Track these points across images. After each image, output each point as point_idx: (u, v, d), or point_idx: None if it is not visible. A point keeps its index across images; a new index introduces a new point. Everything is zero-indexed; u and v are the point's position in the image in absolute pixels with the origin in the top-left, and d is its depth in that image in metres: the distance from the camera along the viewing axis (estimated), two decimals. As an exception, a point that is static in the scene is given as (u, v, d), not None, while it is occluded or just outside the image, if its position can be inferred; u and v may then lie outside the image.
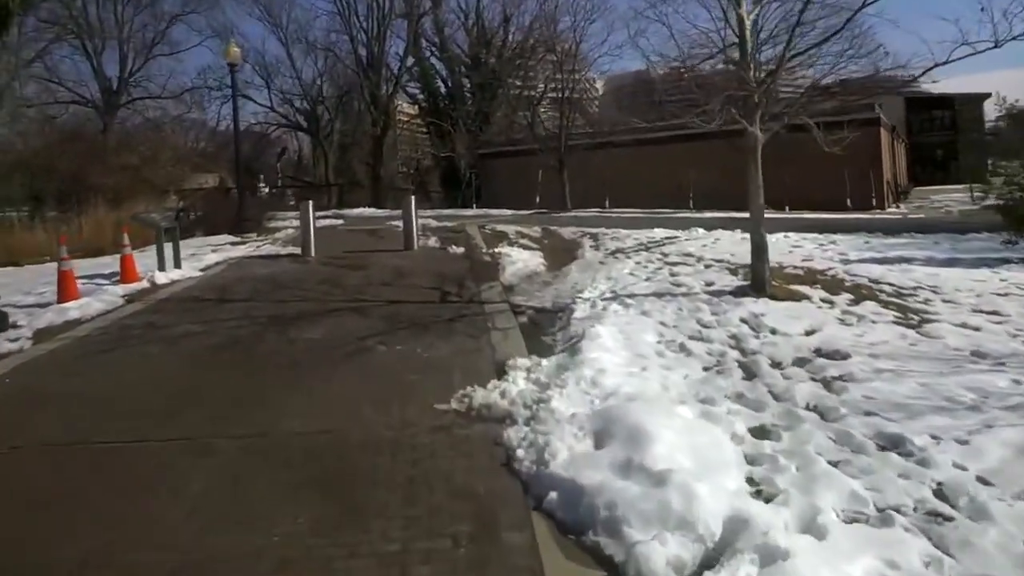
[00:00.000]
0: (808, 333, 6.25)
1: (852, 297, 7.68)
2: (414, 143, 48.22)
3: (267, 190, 24.86)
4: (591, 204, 25.55)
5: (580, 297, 7.98)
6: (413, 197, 13.09)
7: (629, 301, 7.56)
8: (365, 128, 37.81)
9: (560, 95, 27.08)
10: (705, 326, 6.50)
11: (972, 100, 52.15)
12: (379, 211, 26.71)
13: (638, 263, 10.43)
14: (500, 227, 17.52)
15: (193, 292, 9.49)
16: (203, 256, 13.04)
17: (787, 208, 23.05)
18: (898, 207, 28.78)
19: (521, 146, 31.20)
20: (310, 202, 12.96)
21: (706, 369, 5.27)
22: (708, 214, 21.02)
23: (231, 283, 10.10)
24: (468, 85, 37.62)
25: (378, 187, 34.17)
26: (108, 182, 17.57)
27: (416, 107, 42.02)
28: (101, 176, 19.51)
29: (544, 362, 5.29)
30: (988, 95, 56.27)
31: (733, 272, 9.30)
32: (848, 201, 23.98)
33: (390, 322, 7.19)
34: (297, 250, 13.21)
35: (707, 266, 9.96)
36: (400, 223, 17.47)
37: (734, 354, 5.62)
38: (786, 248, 12.18)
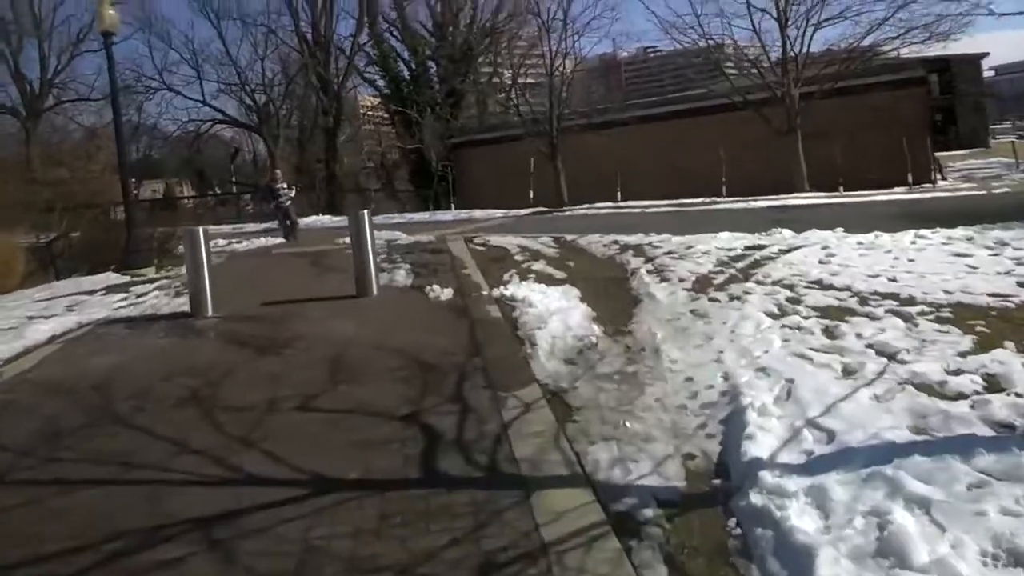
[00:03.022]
0: None
1: None
2: (379, 137, 43.03)
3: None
4: (595, 198, 20.87)
5: (758, 458, 3.33)
6: (367, 212, 8.29)
7: (913, 488, 2.90)
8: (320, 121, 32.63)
9: (548, 65, 22.26)
10: None
11: (969, 61, 48.53)
12: (335, 219, 21.75)
13: (771, 316, 5.82)
14: (494, 239, 12.82)
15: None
16: (43, 321, 8.21)
17: (842, 189, 18.70)
18: (945, 180, 24.53)
19: (501, 132, 26.40)
20: (199, 229, 8.12)
21: None
22: (758, 203, 16.50)
23: (19, 405, 5.30)
24: (434, 68, 32.69)
25: (333, 189, 28.95)
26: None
27: (377, 96, 36.90)
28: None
29: None
30: (986, 54, 52.62)
31: (974, 335, 4.80)
32: (909, 176, 19.64)
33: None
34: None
35: (905, 319, 5.41)
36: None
37: None
38: (952, 261, 7.72)
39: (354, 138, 39.58)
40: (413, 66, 32.99)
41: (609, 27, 46.92)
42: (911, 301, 6.02)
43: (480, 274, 9.07)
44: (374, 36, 32.36)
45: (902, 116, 20.43)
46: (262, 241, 16.17)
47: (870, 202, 15.81)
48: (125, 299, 9.74)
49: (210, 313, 8.00)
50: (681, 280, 7.65)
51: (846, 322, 5.45)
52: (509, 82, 31.99)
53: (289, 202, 16.10)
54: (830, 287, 6.85)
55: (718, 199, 18.82)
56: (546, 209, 20.31)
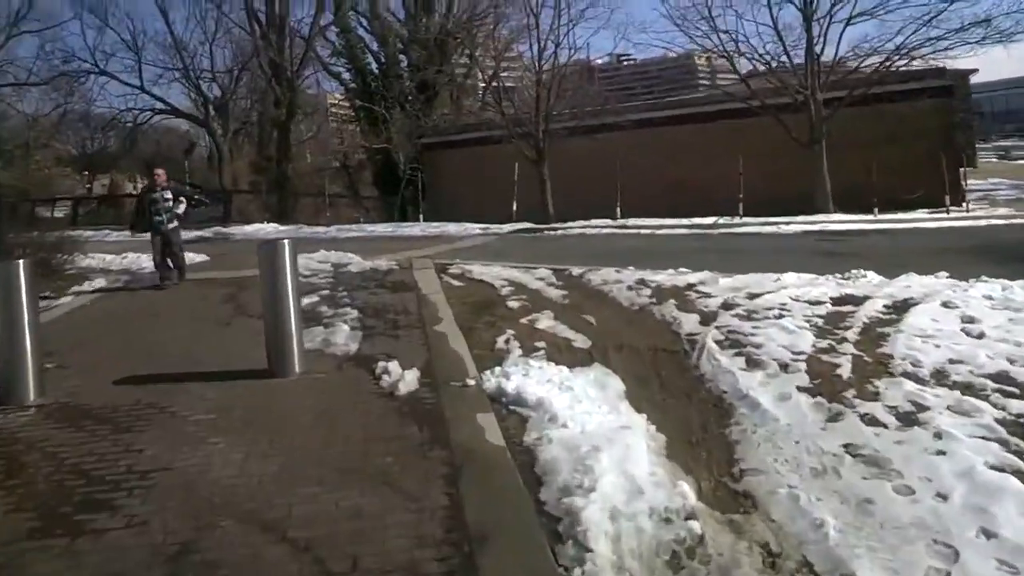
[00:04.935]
0: None
1: None
2: (342, 135, 39.61)
3: None
4: (588, 213, 18.05)
5: None
6: (287, 242, 5.32)
7: None
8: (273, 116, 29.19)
9: (537, 55, 19.44)
10: None
11: (958, 77, 47.07)
12: (282, 228, 18.62)
13: (1018, 475, 3.07)
14: (475, 269, 9.91)
15: None
16: None
17: (876, 212, 16.21)
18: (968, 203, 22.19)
19: (480, 132, 23.48)
20: (18, 264, 5.10)
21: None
22: (791, 227, 13.90)
23: None
24: (405, 62, 29.62)
25: (284, 193, 25.52)
26: None
27: (343, 92, 33.64)
28: None
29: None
30: (975, 71, 51.31)
31: None
32: (947, 199, 17.21)
33: None
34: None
35: None
36: (311, 259, 9.74)
37: None
38: None
39: (316, 136, 36.19)
40: (382, 58, 29.90)
41: (608, 17, 41.99)
42: None
43: (461, 335, 6.16)
44: (340, 24, 29.21)
45: (932, 130, 18.10)
46: (187, 256, 12.99)
47: (924, 229, 13.34)
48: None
49: (31, 398, 4.98)
50: (782, 366, 4.86)
51: None
52: (487, 80, 29.15)
53: (173, 224, 9.48)
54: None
55: (735, 219, 16.20)
56: (533, 226, 17.42)
